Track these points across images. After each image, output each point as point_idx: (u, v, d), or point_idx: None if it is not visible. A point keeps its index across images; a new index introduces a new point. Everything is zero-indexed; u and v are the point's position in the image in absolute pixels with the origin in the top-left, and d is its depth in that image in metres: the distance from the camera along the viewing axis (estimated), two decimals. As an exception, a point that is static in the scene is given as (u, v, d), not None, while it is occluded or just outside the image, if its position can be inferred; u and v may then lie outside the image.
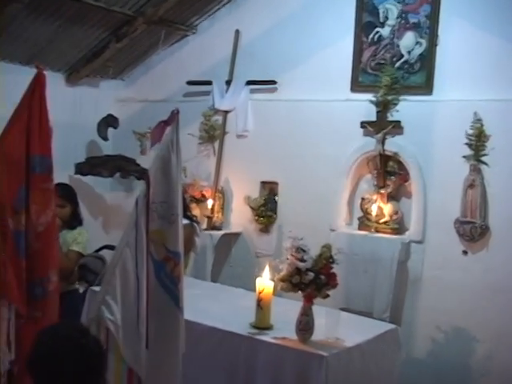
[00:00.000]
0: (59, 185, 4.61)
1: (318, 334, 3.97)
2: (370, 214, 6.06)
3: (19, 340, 3.31)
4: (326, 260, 3.92)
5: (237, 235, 6.99)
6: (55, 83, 3.36)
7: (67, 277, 5.04)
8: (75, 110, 7.28)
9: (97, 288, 4.51)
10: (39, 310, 3.34)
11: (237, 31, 6.98)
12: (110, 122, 7.41)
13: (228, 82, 7.00)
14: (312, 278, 3.86)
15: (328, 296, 3.99)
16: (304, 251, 3.91)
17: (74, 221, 5.39)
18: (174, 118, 3.36)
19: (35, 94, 3.34)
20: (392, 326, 4.66)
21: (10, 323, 3.31)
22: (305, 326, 3.94)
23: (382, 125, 5.86)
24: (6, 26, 6.12)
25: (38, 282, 3.36)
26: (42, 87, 3.36)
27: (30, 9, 6.05)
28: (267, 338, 4.00)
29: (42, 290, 3.38)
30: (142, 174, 6.82)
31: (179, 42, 7.53)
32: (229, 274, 6.92)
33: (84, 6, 6.30)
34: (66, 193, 5.26)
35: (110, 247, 5.72)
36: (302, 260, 3.87)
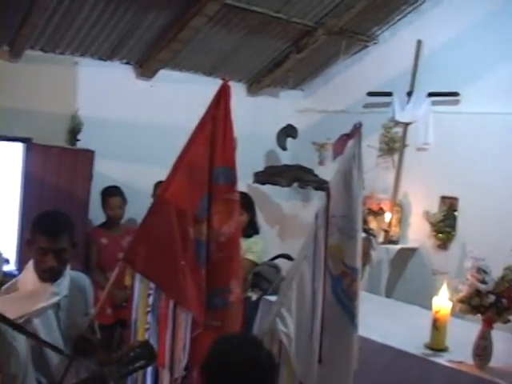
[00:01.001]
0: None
1: (497, 361, 3.76)
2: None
3: (196, 348, 3.35)
4: (508, 283, 3.71)
5: (413, 250, 6.82)
6: (237, 93, 3.40)
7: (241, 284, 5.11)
8: (255, 119, 7.40)
9: (270, 297, 4.55)
10: (218, 320, 3.35)
11: (418, 41, 6.80)
12: (289, 132, 7.48)
13: (409, 94, 6.84)
14: (493, 301, 3.67)
15: (509, 321, 3.77)
16: (485, 272, 3.73)
17: (250, 229, 5.46)
18: (356, 132, 3.28)
19: (220, 105, 3.37)
20: None
21: (186, 330, 3.37)
22: (482, 351, 3.74)
23: None
24: (190, 38, 6.33)
25: (218, 291, 3.38)
26: (226, 98, 3.39)
27: (214, 21, 6.22)
28: (442, 360, 3.85)
29: (222, 300, 3.39)
30: (320, 184, 6.83)
31: (359, 52, 7.47)
32: (403, 289, 6.76)
33: (265, 18, 6.40)
34: (244, 201, 5.32)
35: (286, 256, 5.76)
36: (483, 282, 3.69)
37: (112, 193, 6.09)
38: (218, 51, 6.85)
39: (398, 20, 7.06)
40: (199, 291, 3.30)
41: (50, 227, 3.20)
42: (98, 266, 5.94)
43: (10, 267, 5.59)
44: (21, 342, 2.77)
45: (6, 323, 2.74)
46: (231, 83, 3.46)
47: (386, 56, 7.21)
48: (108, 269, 5.72)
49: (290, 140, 7.55)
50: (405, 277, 6.86)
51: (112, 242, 6.00)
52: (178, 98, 6.74)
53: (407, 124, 6.85)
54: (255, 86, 7.58)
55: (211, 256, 3.36)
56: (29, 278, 3.28)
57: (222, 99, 3.39)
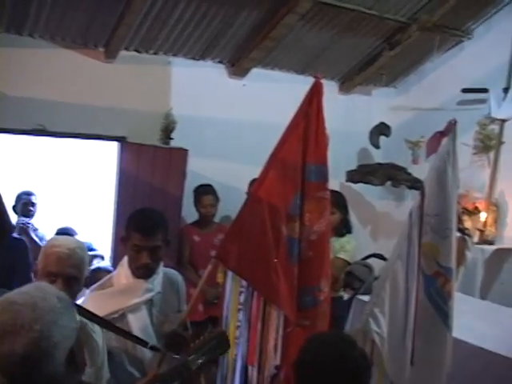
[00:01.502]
0: (330, 192, 4.65)
1: None
2: None
3: (287, 346, 3.35)
4: None
5: (510, 251, 6.62)
6: (329, 91, 3.38)
7: (332, 283, 5.08)
8: (347, 117, 7.35)
9: (362, 297, 4.50)
10: (308, 319, 3.33)
11: (515, 36, 6.62)
12: (382, 130, 7.39)
13: (506, 90, 6.64)
14: None
15: None
16: None
17: (343, 228, 5.42)
18: (450, 129, 3.21)
19: (313, 102, 3.36)
20: None
21: (278, 329, 3.36)
22: None
23: None
24: (283, 36, 6.33)
25: (308, 290, 3.36)
26: (319, 96, 3.38)
27: (305, 19, 6.21)
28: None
29: (313, 298, 3.37)
30: (413, 183, 6.72)
31: (454, 48, 7.31)
32: (499, 291, 6.56)
33: (358, 15, 6.35)
34: (337, 200, 5.29)
35: (378, 256, 5.68)
36: None
37: (205, 191, 6.16)
38: (309, 49, 6.83)
39: (494, 14, 6.87)
40: (291, 289, 3.29)
41: (144, 225, 3.25)
42: (190, 264, 6.02)
43: (105, 263, 5.72)
44: (99, 334, 2.85)
45: (93, 320, 2.81)
46: (323, 81, 3.44)
47: (481, 51, 7.02)
48: (200, 266, 5.80)
49: (382, 138, 7.47)
50: (501, 278, 6.66)
51: (204, 239, 6.07)
52: (270, 97, 6.76)
53: (504, 121, 6.65)
54: (347, 84, 7.52)
55: (302, 254, 3.35)
56: (123, 274, 3.34)
57: (314, 97, 3.37)
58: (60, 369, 1.71)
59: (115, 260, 5.69)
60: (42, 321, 1.67)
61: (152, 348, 3.02)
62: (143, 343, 3.03)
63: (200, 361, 2.83)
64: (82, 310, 2.56)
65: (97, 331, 2.87)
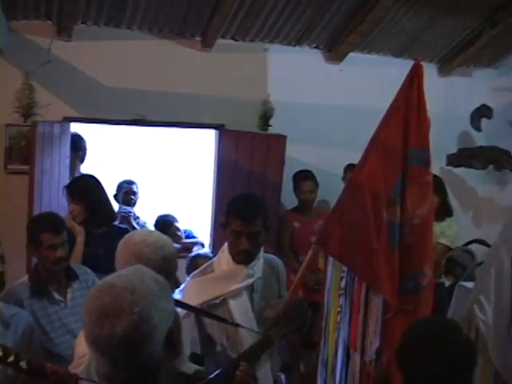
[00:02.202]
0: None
1: None
2: None
3: (388, 331, 3.31)
4: None
5: None
6: (428, 74, 3.31)
7: (433, 269, 4.99)
8: (447, 100, 7.17)
9: (466, 283, 4.40)
10: (411, 304, 3.27)
11: None
12: (483, 112, 7.19)
13: None
14: None
15: None
16: None
17: (442, 212, 5.30)
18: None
19: (413, 86, 3.30)
20: None
21: (379, 314, 3.33)
22: None
23: None
24: (379, 19, 6.24)
25: (411, 275, 3.29)
26: (419, 79, 3.31)
27: (402, 1, 6.09)
28: None
29: (416, 283, 3.30)
30: (518, 166, 6.53)
31: None
32: None
33: (456, -6, 6.18)
34: (435, 183, 5.18)
35: (481, 242, 5.56)
36: None
37: (304, 177, 6.15)
38: (407, 32, 6.70)
39: None
40: (392, 274, 3.24)
41: (244, 211, 3.25)
42: (291, 250, 6.02)
43: (205, 250, 5.80)
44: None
45: (188, 309, 2.86)
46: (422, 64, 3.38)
47: None
48: (300, 252, 5.80)
49: (484, 120, 7.26)
50: None
51: (304, 225, 6.06)
52: (367, 81, 6.67)
53: None
54: (446, 66, 7.34)
55: (405, 239, 3.29)
56: (224, 260, 3.37)
57: (414, 80, 3.31)
58: (159, 350, 1.74)
59: (214, 247, 5.78)
60: (141, 303, 1.69)
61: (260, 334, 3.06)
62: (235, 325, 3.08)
63: (281, 332, 2.93)
64: (176, 302, 2.59)
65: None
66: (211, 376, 2.70)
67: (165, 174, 7.95)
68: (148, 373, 1.76)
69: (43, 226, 3.55)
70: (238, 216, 3.24)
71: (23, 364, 1.97)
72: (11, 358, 1.93)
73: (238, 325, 3.07)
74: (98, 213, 4.49)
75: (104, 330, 1.67)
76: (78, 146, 5.91)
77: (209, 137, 6.51)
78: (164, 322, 1.76)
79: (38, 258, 3.61)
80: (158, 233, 2.98)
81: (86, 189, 4.52)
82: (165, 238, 2.86)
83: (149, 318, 1.70)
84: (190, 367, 2.91)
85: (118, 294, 1.71)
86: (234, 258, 3.32)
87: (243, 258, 3.29)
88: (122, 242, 2.80)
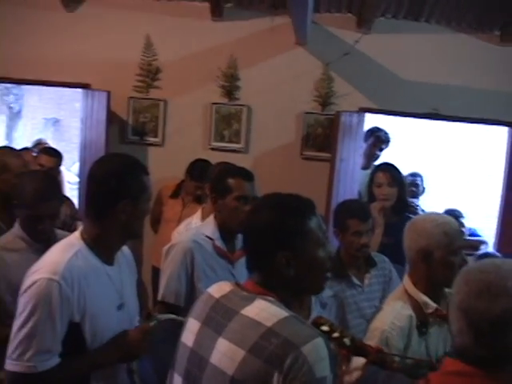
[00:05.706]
0: None
1: None
2: None
3: None
4: None
5: None
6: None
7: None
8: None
9: None
10: None
11: None
12: None
13: None
14: None
15: None
16: None
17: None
18: None
19: None
20: None
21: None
22: None
23: None
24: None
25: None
26: None
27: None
28: None
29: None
30: None
31: None
32: None
33: None
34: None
35: None
36: None
37: None
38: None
39: None
40: None
41: None
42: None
43: (489, 249, 5.70)
44: None
45: None
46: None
47: None
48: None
49: None
50: None
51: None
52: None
53: None
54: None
55: None
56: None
57: None
58: None
59: (500, 245, 5.66)
60: None
61: None
62: None
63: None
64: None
65: None
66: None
67: (455, 168, 7.89)
68: (505, 360, 1.74)
69: (352, 212, 3.67)
70: None
71: (347, 341, 2.18)
72: (336, 334, 2.15)
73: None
74: (402, 200, 4.70)
75: (481, 302, 1.71)
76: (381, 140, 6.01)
77: (501, 134, 6.33)
78: None
79: (343, 242, 3.72)
80: (442, 214, 3.02)
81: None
82: (447, 217, 2.87)
83: None
84: None
85: (504, 275, 1.73)
86: None
87: None
88: (408, 224, 2.86)
